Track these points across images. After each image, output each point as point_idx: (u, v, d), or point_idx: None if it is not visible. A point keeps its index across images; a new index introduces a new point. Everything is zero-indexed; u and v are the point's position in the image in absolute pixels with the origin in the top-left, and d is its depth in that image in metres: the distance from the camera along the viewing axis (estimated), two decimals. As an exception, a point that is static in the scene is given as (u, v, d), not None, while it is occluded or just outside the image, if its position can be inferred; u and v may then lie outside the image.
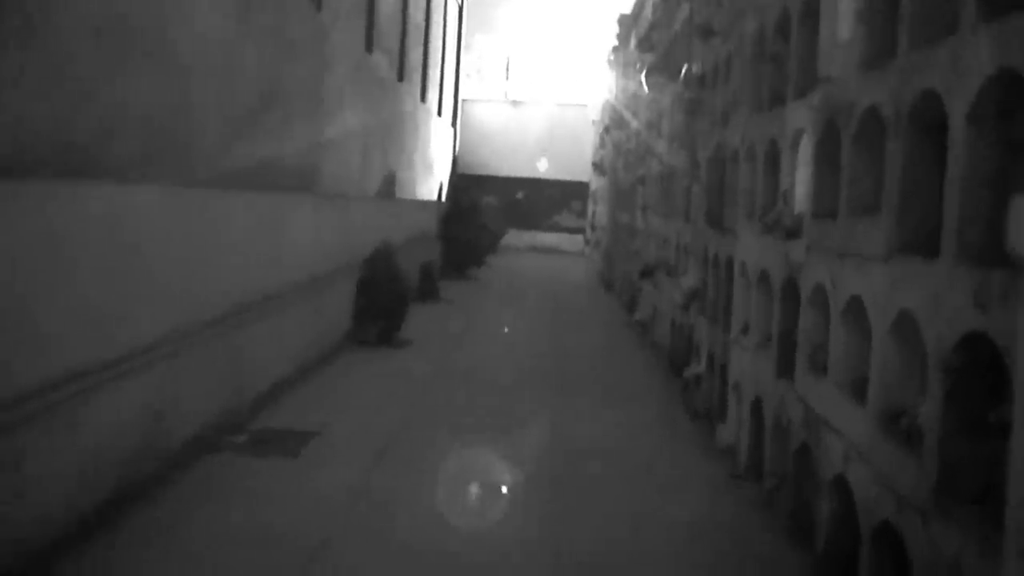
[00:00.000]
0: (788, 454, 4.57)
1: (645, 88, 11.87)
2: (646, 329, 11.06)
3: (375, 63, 11.51)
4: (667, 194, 9.89)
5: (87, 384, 4.08)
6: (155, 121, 4.82)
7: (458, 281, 16.74)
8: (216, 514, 4.43)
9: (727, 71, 6.75)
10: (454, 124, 23.16)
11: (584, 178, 26.72)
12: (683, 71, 8.59)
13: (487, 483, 5.28)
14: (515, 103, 29.80)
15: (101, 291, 4.24)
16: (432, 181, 18.25)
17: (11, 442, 3.54)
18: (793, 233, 4.61)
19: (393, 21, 13.02)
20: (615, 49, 17.86)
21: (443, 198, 19.85)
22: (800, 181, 4.73)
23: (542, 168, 28.95)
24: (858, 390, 3.68)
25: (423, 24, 16.22)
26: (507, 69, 30.74)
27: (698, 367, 7.11)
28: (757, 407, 5.26)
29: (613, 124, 17.47)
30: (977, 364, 2.75)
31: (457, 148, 24.21)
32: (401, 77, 13.84)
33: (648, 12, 12.86)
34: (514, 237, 26.16)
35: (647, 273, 10.87)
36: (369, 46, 11.03)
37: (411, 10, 14.45)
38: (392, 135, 13.06)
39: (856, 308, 3.72)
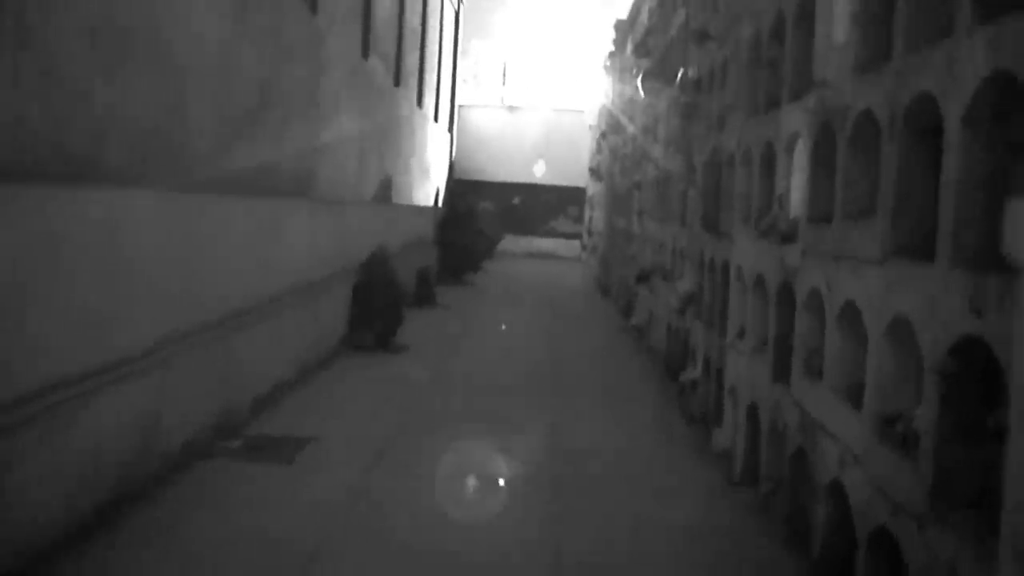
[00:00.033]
0: (784, 459, 4.56)
1: (641, 93, 11.89)
2: (642, 334, 11.06)
3: (371, 68, 11.50)
4: (663, 199, 9.90)
5: (85, 388, 4.08)
6: (150, 124, 4.80)
7: (455, 286, 16.74)
8: (213, 518, 4.43)
9: (723, 75, 6.76)
10: (451, 129, 23.15)
11: (581, 183, 26.73)
12: (679, 75, 8.60)
13: (484, 487, 5.27)
14: (512, 108, 29.83)
15: (98, 295, 4.24)
16: (429, 186, 18.23)
17: (10, 443, 3.54)
18: (789, 237, 4.60)
19: (389, 26, 13.02)
20: (612, 54, 17.90)
21: (440, 203, 19.83)
22: (796, 186, 4.73)
23: (539, 171, 28.94)
24: (854, 395, 3.67)
25: (420, 29, 16.22)
26: (504, 74, 30.76)
27: (694, 372, 7.10)
28: (753, 412, 5.25)
29: (610, 129, 17.49)
30: (972, 369, 2.74)
31: (454, 153, 24.19)
32: (398, 82, 13.83)
33: (644, 17, 12.89)
34: (511, 242, 26.16)
35: (643, 278, 10.87)
36: (365, 51, 11.03)
37: (407, 15, 14.45)
38: (388, 140, 13.05)
39: (851, 312, 3.71)
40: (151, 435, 4.78)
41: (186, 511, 4.49)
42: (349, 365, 8.62)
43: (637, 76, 12.43)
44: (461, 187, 24.34)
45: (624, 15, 16.14)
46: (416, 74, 16.27)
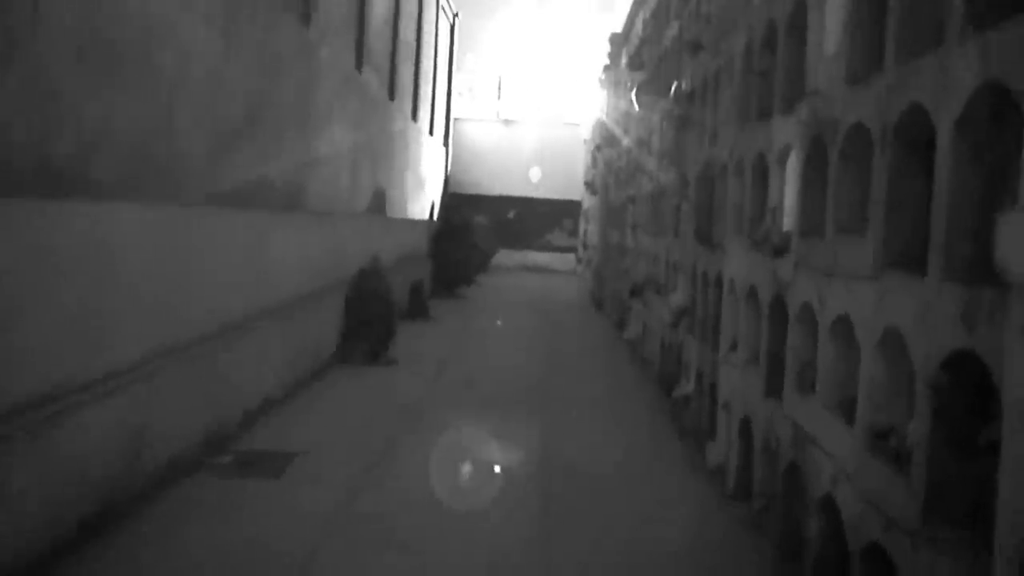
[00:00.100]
0: (777, 474, 4.52)
1: (636, 106, 11.89)
2: (636, 347, 11.02)
3: (365, 81, 11.50)
4: (657, 212, 9.88)
5: (69, 402, 4.04)
6: (138, 138, 4.78)
7: (448, 300, 16.70)
8: (199, 532, 4.40)
9: (716, 86, 6.75)
10: (446, 143, 23.16)
11: (576, 197, 26.74)
12: (673, 87, 8.60)
13: (475, 501, 5.21)
14: (507, 122, 29.86)
15: (83, 308, 4.20)
16: (423, 200, 18.22)
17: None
18: (781, 250, 4.58)
19: (383, 39, 13.02)
20: (606, 68, 17.93)
21: (434, 217, 19.82)
22: (788, 198, 4.71)
23: (535, 178, 28.87)
24: (846, 409, 3.63)
25: (414, 42, 16.24)
26: (499, 88, 30.83)
27: (687, 387, 7.06)
28: (746, 426, 5.21)
29: (604, 142, 17.51)
30: (965, 383, 2.71)
31: (449, 167, 24.21)
32: (392, 95, 13.84)
33: (638, 29, 12.92)
34: (505, 256, 26.15)
35: (636, 292, 10.84)
36: (359, 63, 11.02)
37: (402, 28, 14.47)
38: (382, 153, 13.04)
39: (843, 326, 3.68)
40: (138, 449, 4.72)
41: (173, 526, 4.45)
42: (341, 378, 8.57)
43: (632, 89, 12.45)
44: (456, 200, 24.35)
45: (619, 28, 16.18)
46: (411, 87, 16.29)
